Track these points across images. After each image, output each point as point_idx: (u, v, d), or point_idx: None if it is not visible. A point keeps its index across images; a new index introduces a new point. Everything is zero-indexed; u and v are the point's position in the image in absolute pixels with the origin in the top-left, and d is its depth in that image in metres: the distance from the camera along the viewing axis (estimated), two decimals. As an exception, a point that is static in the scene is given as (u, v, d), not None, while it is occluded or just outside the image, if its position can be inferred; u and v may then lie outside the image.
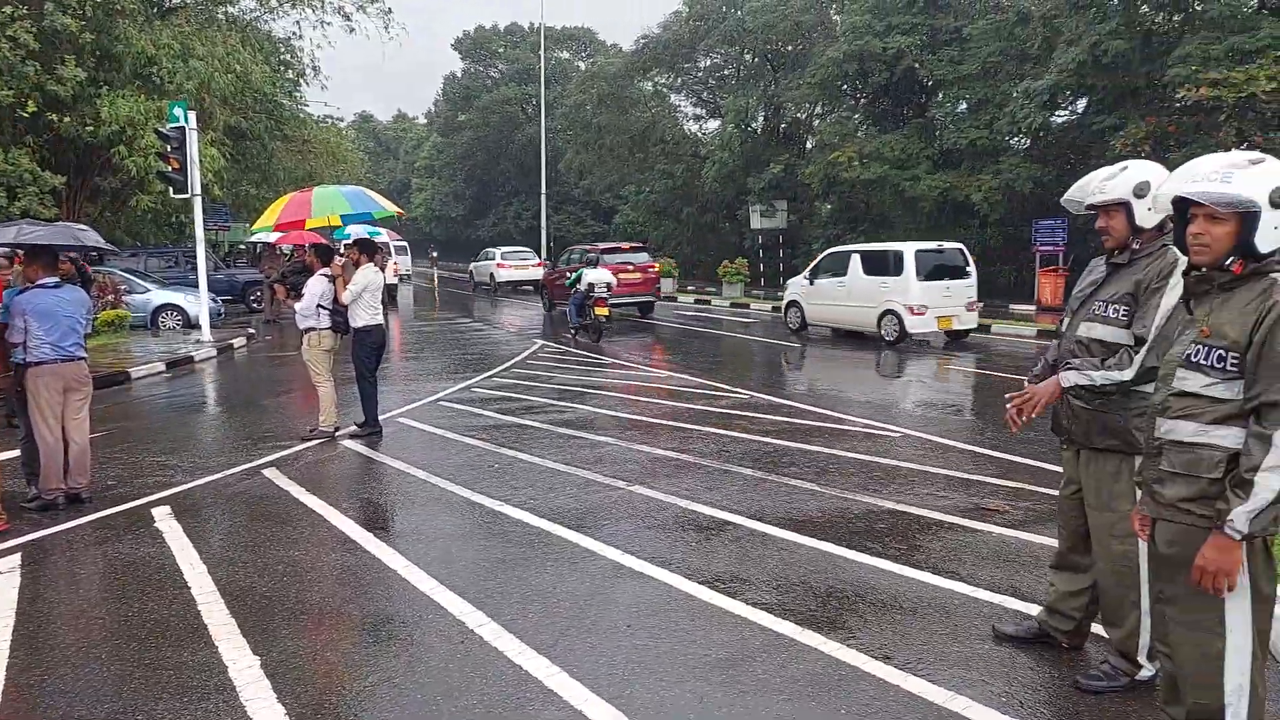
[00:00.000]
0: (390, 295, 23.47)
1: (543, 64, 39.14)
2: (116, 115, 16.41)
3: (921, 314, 14.09)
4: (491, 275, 32.12)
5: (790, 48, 31.49)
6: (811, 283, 16.41)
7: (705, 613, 4.08)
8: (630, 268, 20.14)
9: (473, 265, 35.25)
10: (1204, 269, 2.47)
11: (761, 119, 33.31)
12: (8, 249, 6.89)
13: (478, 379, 11.55)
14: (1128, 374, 3.15)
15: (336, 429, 8.08)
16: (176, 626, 4.07)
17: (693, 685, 3.40)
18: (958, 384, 11.38)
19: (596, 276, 16.58)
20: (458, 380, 11.41)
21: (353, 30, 25.58)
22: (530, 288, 30.52)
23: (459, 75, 58.63)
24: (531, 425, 8.48)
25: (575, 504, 5.83)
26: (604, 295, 16.27)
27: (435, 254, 40.00)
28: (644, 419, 8.74)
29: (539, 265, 30.54)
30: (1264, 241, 2.34)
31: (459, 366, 12.97)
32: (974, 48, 23.03)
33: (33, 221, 7.77)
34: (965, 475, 6.48)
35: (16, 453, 6.21)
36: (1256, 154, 2.44)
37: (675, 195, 35.53)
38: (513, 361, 13.29)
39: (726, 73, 36.07)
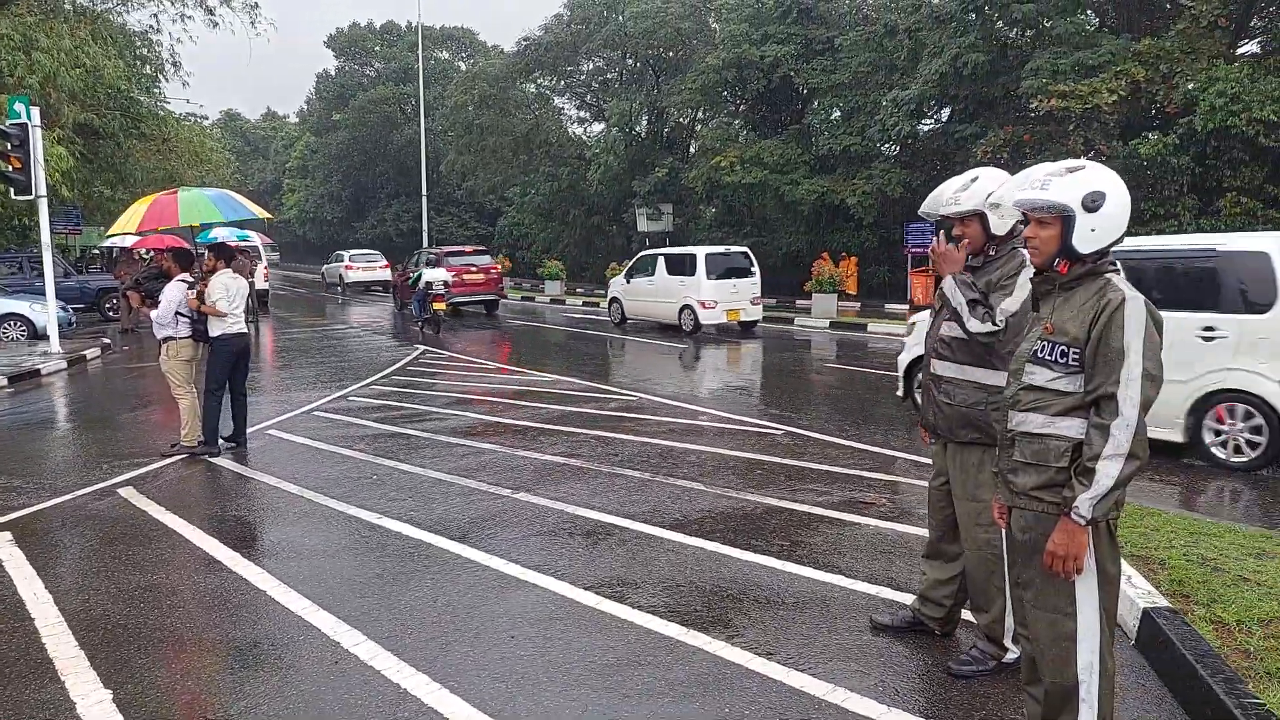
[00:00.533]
0: (260, 300, 22.42)
1: (420, 63, 38.31)
2: (-53, 109, 15.00)
3: (712, 308, 16.52)
4: (340, 277, 33.95)
5: (672, 53, 31.94)
6: (628, 281, 18.83)
7: (590, 619, 4.05)
8: (474, 269, 22.13)
9: (324, 268, 36.81)
10: (1043, 270, 2.63)
11: (645, 123, 33.62)
12: None
13: (355, 387, 11.16)
14: (987, 325, 3.30)
15: (201, 444, 7.60)
16: (17, 662, 3.74)
17: (577, 694, 3.37)
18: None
19: (433, 275, 18.78)
20: (334, 389, 10.99)
21: (216, 25, 24.29)
22: (380, 288, 32.78)
23: (333, 73, 56.61)
24: (412, 434, 8.25)
25: (458, 514, 5.70)
26: (441, 292, 18.33)
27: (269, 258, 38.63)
28: (528, 424, 8.64)
29: (386, 267, 33.05)
30: (1081, 243, 2.50)
31: (335, 374, 12.49)
32: (845, 58, 23.95)
33: None
34: (843, 469, 6.71)
35: None
36: (1078, 161, 2.62)
37: (561, 198, 35.45)
38: (393, 368, 12.91)
39: (610, 76, 36.25)
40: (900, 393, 8.75)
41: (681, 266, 17.19)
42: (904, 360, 8.63)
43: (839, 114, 24.75)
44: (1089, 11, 19.90)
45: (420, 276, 19.21)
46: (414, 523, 5.50)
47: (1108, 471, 2.39)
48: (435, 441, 7.91)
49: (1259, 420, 6.44)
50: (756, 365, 13.65)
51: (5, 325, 16.32)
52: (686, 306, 16.89)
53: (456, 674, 3.52)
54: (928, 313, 9.97)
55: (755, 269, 17.20)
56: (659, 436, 7.97)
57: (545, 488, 6.27)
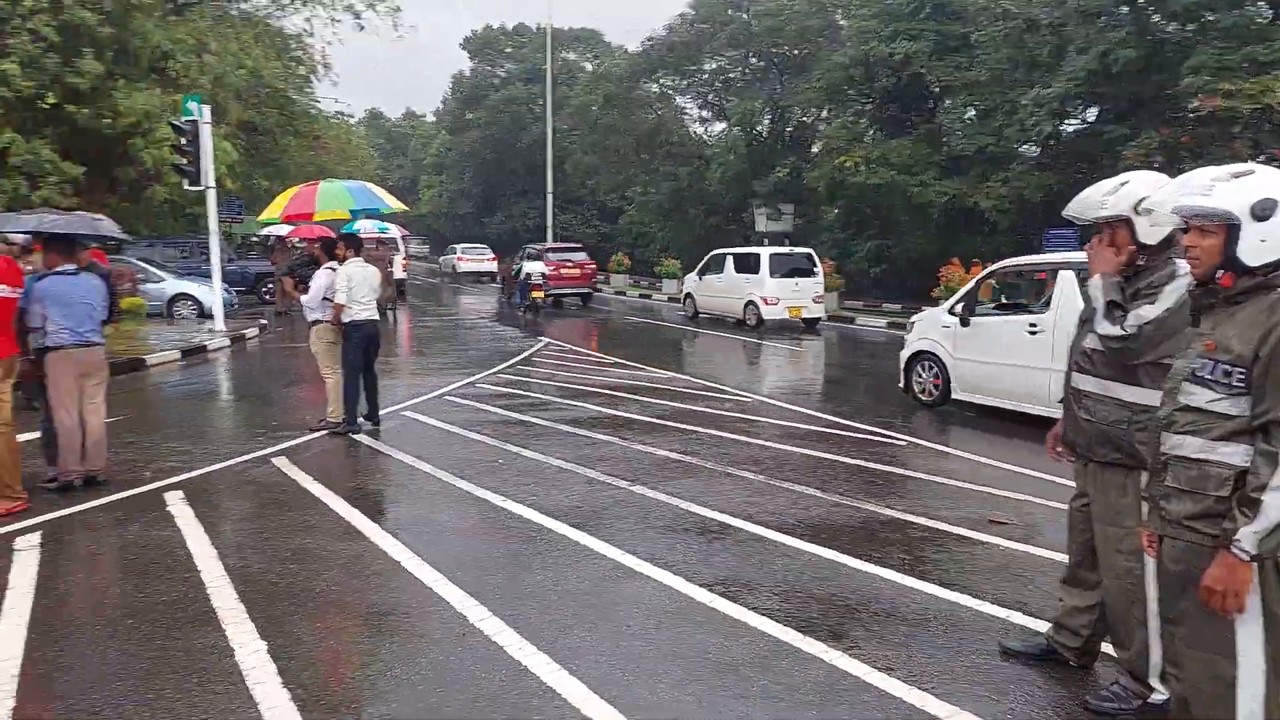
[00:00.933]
0: (399, 289, 23.56)
1: (550, 64, 39.19)
2: (133, 108, 16.55)
3: (774, 304, 18.03)
4: (454, 267, 39.96)
5: (796, 51, 31.48)
6: (700, 279, 20.78)
7: (706, 616, 4.11)
8: (570, 264, 24.56)
9: (440, 259, 42.11)
10: (1206, 283, 2.44)
11: (767, 122, 33.30)
12: (26, 238, 6.97)
13: (482, 375, 11.64)
14: (1115, 330, 3.11)
15: (344, 421, 8.11)
16: (187, 609, 4.15)
17: (693, 689, 3.43)
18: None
19: (532, 268, 22.11)
20: (463, 375, 11.50)
21: (362, 28, 25.78)
22: (487, 278, 37.36)
23: (467, 74, 58.62)
24: (535, 422, 8.56)
25: (577, 502, 5.90)
26: (539, 283, 21.43)
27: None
28: (645, 419, 8.80)
29: (493, 259, 37.79)
30: (1248, 254, 2.31)
31: (465, 362, 13.07)
32: (982, 54, 23.02)
33: (53, 210, 7.88)
34: (968, 485, 6.54)
35: (37, 434, 6.29)
36: (1247, 166, 2.42)
37: (681, 197, 35.56)
38: (518, 358, 13.38)
39: (732, 75, 36.07)
40: (901, 385, 9.92)
41: (748, 265, 18.77)
42: (904, 355, 9.88)
43: (974, 113, 23.85)
44: (1261, 2, 18.38)
45: (522, 269, 22.55)
46: (537, 508, 5.73)
47: (1276, 504, 2.19)
48: (556, 430, 8.18)
49: None
50: (872, 372, 13.37)
51: (178, 304, 17.89)
52: (750, 302, 18.41)
53: (575, 657, 3.66)
54: (937, 309, 9.95)
55: (819, 270, 18.73)
56: (774, 439, 7.97)
57: (661, 482, 6.40)
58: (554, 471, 6.71)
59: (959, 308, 9.13)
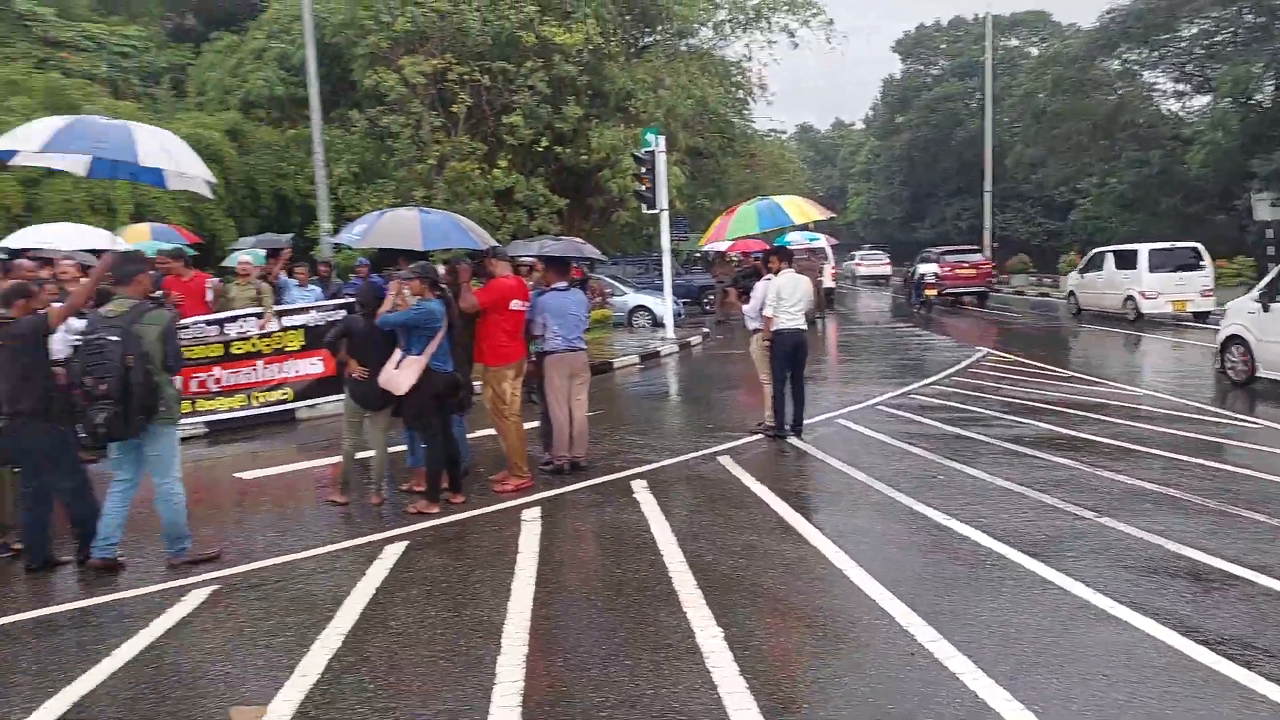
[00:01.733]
0: (827, 298, 23.93)
1: (989, 54, 36.63)
2: (603, 144, 19.14)
3: (1154, 298, 18.37)
4: (853, 272, 43.25)
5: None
6: (1082, 276, 21.44)
7: (1208, 680, 3.49)
8: (965, 264, 25.43)
9: (842, 264, 44.72)
10: None
11: (1270, 89, 27.32)
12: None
13: (916, 385, 11.25)
14: None
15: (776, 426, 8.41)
16: (654, 587, 4.63)
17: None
18: None
19: (925, 269, 25.13)
20: (896, 385, 11.24)
21: (797, 46, 26.65)
22: (883, 281, 40.64)
23: (897, 77, 57.70)
24: (977, 438, 8.02)
25: (1030, 528, 5.39)
26: (931, 282, 24.55)
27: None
28: (1108, 440, 7.74)
29: (888, 264, 41.81)
30: None
31: (897, 371, 12.81)
32: None
33: (551, 237, 9.45)
34: None
35: (537, 423, 7.54)
36: None
37: (1149, 185, 30.81)
38: (954, 369, 12.69)
39: (1219, 39, 30.20)
40: (1218, 365, 10.73)
41: (1127, 262, 19.25)
42: (1219, 338, 10.79)
43: None
44: None
45: (916, 270, 25.93)
46: (985, 530, 5.35)
47: None
48: (1002, 449, 7.58)
49: None
50: None
51: (636, 315, 20.30)
52: (1129, 297, 18.81)
53: (1040, 699, 3.34)
54: (1244, 297, 10.61)
55: (1206, 264, 18.55)
56: (1292, 474, 6.50)
57: (1135, 516, 5.56)
58: (1000, 492, 6.22)
59: (1262, 295, 9.98)
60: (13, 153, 5.82)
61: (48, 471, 5.13)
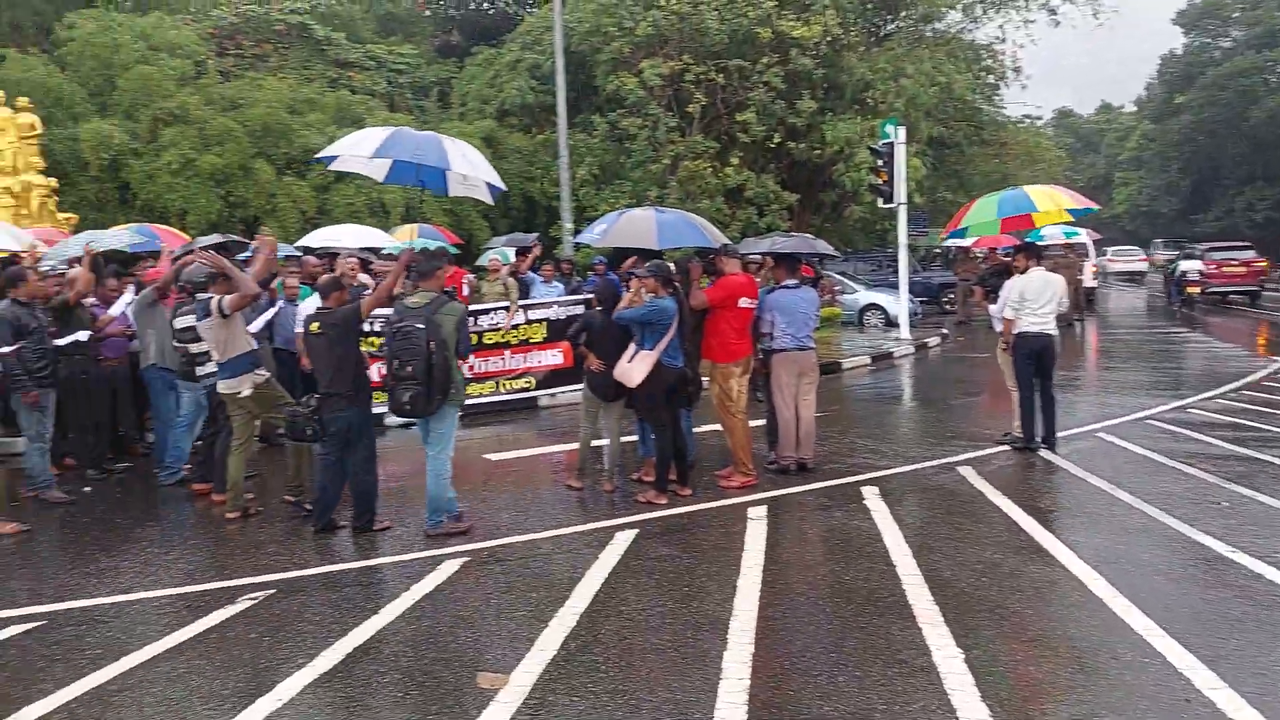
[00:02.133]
0: (1087, 298, 21.85)
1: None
2: (837, 138, 18.62)
3: None
4: (1104, 267, 38.30)
5: None
6: None
7: None
8: (1234, 262, 23.96)
9: (1094, 260, 41.06)
10: None
11: None
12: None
13: (1195, 398, 9.93)
14: None
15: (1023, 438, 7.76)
16: (886, 599, 4.43)
17: None
18: None
19: (1187, 266, 23.83)
20: (1170, 397, 9.99)
21: (1058, 23, 24.36)
22: (1138, 277, 38.39)
23: (1178, 52, 51.18)
24: (1272, 461, 6.95)
25: (1346, 570, 4.58)
26: (1194, 279, 23.07)
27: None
28: None
29: (1143, 260, 39.83)
30: None
31: (1170, 381, 11.40)
32: None
33: (782, 234, 9.36)
34: None
35: (763, 422, 7.49)
36: None
37: None
38: (1242, 381, 11.07)
39: None
40: None
41: None
42: None
43: None
44: None
45: (1177, 267, 24.56)
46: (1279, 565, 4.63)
47: None
48: (1307, 475, 6.51)
49: None
50: None
51: (869, 313, 19.60)
52: None
53: (1358, 770, 2.84)
54: None
55: None
56: None
57: None
58: (1305, 526, 5.35)
59: None
60: (333, 157, 6.73)
61: (350, 445, 5.79)
